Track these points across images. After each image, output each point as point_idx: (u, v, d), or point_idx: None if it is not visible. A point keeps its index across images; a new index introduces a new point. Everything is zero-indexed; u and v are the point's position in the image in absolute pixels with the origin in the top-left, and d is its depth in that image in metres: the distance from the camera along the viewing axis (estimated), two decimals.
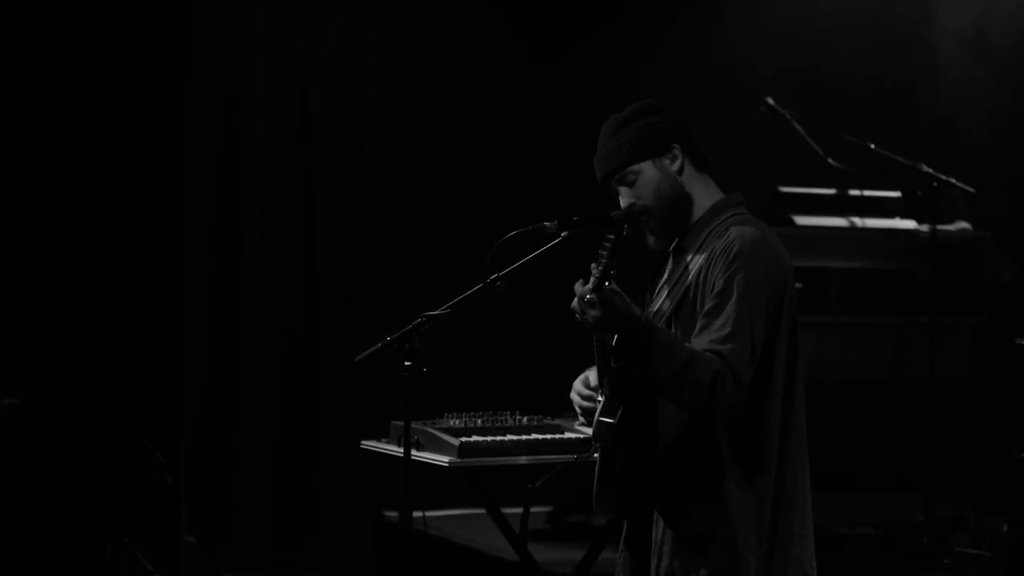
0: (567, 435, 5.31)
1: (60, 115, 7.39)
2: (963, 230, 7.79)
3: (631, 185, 4.16)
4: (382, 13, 8.36)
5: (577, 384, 4.24)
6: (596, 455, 4.14)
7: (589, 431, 5.25)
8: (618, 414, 3.93)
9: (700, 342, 3.81)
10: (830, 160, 7.47)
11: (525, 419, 5.44)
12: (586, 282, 3.77)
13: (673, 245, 4.13)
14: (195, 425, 7.81)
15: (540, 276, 5.12)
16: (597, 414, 3.97)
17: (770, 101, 7.46)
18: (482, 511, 5.42)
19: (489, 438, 5.20)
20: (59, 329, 7.35)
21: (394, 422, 5.28)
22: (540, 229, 4.51)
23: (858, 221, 7.66)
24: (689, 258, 4.03)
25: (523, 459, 5.22)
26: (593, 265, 3.77)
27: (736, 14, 8.63)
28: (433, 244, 8.51)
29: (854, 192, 7.75)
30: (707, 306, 3.87)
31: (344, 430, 7.98)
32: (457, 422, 5.35)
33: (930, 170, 7.33)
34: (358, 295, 8.24)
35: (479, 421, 5.36)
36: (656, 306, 4.13)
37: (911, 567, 7.10)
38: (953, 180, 7.35)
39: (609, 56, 8.76)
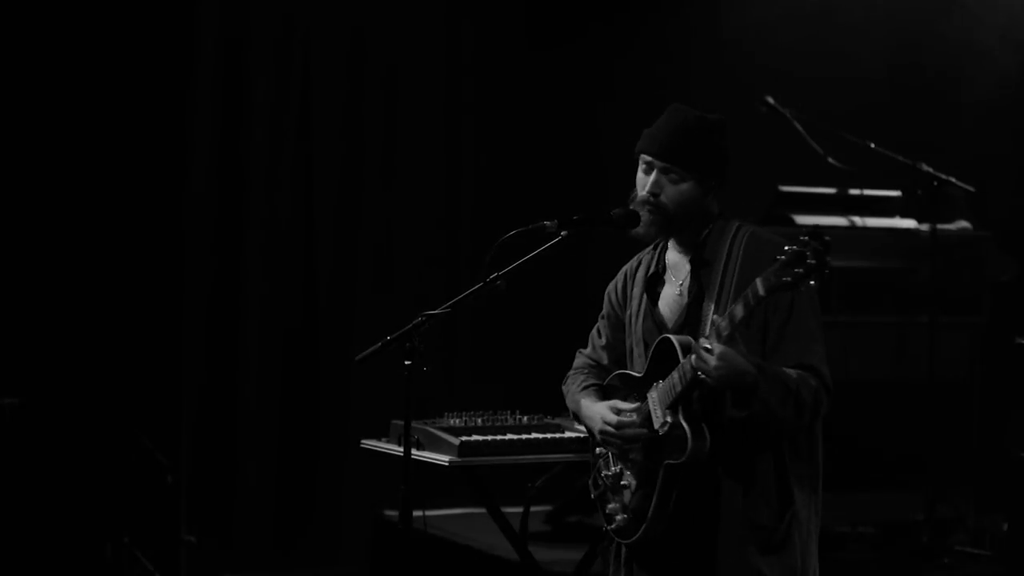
0: (567, 434, 5.31)
1: (60, 114, 7.39)
2: (963, 229, 7.79)
3: (668, 179, 4.23)
4: (383, 11, 8.36)
5: (609, 415, 4.25)
6: (626, 480, 4.24)
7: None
8: (707, 433, 4.03)
9: (787, 355, 4.03)
10: (830, 159, 7.47)
11: (525, 418, 5.44)
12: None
13: (691, 256, 4.23)
14: (195, 424, 7.81)
15: (540, 275, 5.11)
16: (691, 437, 4.01)
17: (770, 100, 7.46)
18: (482, 510, 5.42)
19: (489, 437, 5.21)
20: (59, 328, 7.35)
21: (394, 421, 5.28)
22: (540, 228, 4.52)
23: (858, 220, 7.66)
24: (722, 265, 4.14)
25: (523, 458, 5.22)
26: (716, 318, 3.93)
27: (738, 11, 8.62)
28: (433, 243, 8.51)
29: (854, 191, 7.75)
30: (781, 318, 4.06)
31: (344, 429, 7.97)
32: (457, 421, 5.35)
33: (930, 169, 7.32)
34: (358, 294, 8.24)
35: (479, 420, 5.37)
36: (674, 316, 4.23)
37: (911, 566, 7.09)
38: (953, 179, 7.34)
39: (610, 55, 8.76)
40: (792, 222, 7.42)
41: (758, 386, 3.91)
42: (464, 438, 5.13)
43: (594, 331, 4.59)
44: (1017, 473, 7.18)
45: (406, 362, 4.44)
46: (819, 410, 4.03)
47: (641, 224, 4.24)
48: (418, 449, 5.13)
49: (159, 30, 7.59)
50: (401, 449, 4.59)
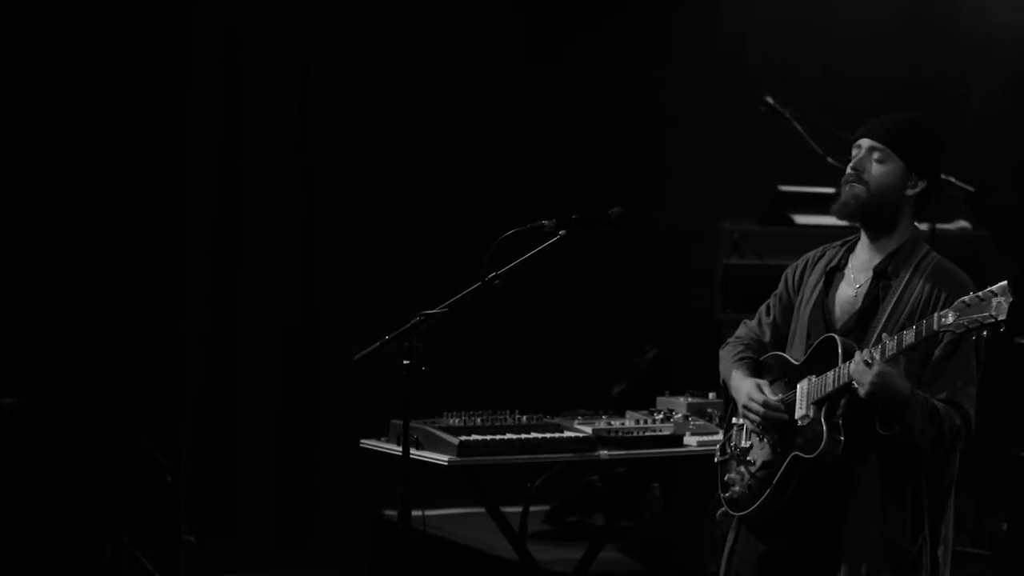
0: (566, 434, 5.31)
1: (59, 116, 7.38)
2: (962, 229, 7.79)
3: (875, 159, 4.31)
4: (382, 12, 8.36)
5: (756, 393, 4.32)
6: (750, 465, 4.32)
7: (588, 430, 5.29)
8: (842, 438, 4.11)
9: (941, 389, 4.10)
10: (830, 159, 7.46)
11: (524, 418, 5.45)
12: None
13: (876, 264, 4.29)
14: (195, 424, 7.81)
15: (539, 274, 5.12)
16: (826, 437, 4.09)
17: (770, 100, 7.46)
18: (481, 510, 5.43)
19: (488, 437, 5.21)
20: (59, 328, 7.35)
21: (393, 421, 5.29)
22: (538, 228, 4.54)
23: (1005, 283, 7.65)
24: (903, 284, 4.22)
25: (522, 458, 5.22)
26: (885, 336, 4.01)
27: (737, 11, 8.62)
28: (432, 243, 8.51)
29: None
30: (945, 351, 4.13)
31: (343, 429, 7.97)
32: (456, 421, 5.35)
33: None
34: (357, 294, 8.24)
35: (478, 420, 5.37)
36: (844, 317, 4.30)
37: None
38: (953, 179, 7.34)
39: (609, 55, 8.75)
40: (791, 222, 7.42)
41: (906, 410, 3.98)
42: (463, 438, 5.13)
43: (763, 307, 4.62)
44: (1017, 473, 7.18)
45: (405, 361, 4.45)
46: (956, 447, 4.12)
47: (839, 201, 4.34)
48: (417, 449, 5.13)
49: (158, 30, 7.58)
50: (400, 449, 4.60)
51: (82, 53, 7.40)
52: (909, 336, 3.94)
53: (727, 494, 4.37)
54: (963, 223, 7.83)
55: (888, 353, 3.97)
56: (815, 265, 4.46)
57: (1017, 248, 7.91)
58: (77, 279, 7.40)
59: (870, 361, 3.97)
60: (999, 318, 3.78)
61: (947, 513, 4.25)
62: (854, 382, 4.00)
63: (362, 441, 5.49)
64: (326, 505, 8.11)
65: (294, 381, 8.10)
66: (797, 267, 4.53)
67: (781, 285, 4.56)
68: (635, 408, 5.69)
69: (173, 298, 7.71)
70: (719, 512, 5.01)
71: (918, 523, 4.17)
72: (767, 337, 4.54)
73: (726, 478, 4.38)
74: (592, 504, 7.26)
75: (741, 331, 4.62)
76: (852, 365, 4.01)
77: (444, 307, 4.55)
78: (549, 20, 8.82)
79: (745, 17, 8.52)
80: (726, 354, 4.55)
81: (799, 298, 4.45)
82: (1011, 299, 3.78)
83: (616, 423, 5.47)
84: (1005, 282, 3.84)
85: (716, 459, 4.48)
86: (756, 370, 4.43)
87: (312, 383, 8.13)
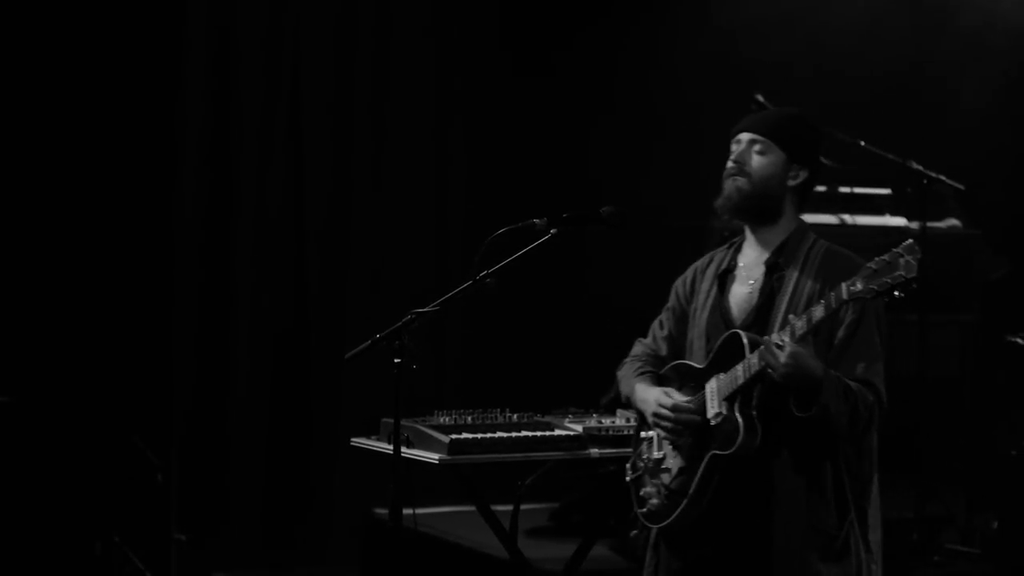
0: (557, 432, 5.31)
1: (49, 111, 7.37)
2: (953, 227, 7.80)
3: (756, 151, 4.33)
4: (373, 9, 8.35)
5: (664, 399, 4.32)
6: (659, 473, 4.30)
7: (579, 428, 5.29)
8: (759, 429, 4.11)
9: (849, 368, 4.12)
10: (821, 157, 7.46)
11: (515, 416, 5.45)
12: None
13: (767, 258, 4.30)
14: (186, 423, 7.80)
15: (530, 273, 5.11)
16: (743, 430, 4.07)
17: (760, 98, 7.45)
18: (472, 508, 5.42)
19: (479, 435, 5.21)
20: (49, 327, 7.33)
21: (384, 419, 5.28)
22: (530, 226, 4.55)
23: (848, 218, 7.66)
24: (797, 273, 4.23)
25: (513, 456, 5.22)
26: (792, 317, 4.01)
27: (728, 10, 8.62)
28: (423, 241, 8.50)
29: (844, 189, 7.76)
30: (848, 331, 4.15)
31: (335, 427, 7.97)
32: (447, 419, 5.35)
33: (920, 167, 7.33)
34: (348, 293, 8.24)
35: (469, 418, 5.37)
36: (742, 315, 4.30)
37: (901, 564, 7.10)
38: (943, 177, 7.35)
39: (601, 51, 8.75)
40: None
41: (821, 389, 3.98)
42: (454, 436, 5.13)
43: (656, 322, 4.64)
44: (1007, 471, 7.18)
45: (396, 360, 4.44)
46: (871, 425, 4.15)
47: (721, 196, 4.34)
48: (408, 447, 5.13)
49: (148, 29, 7.56)
50: (391, 447, 4.60)
51: (73, 53, 7.39)
52: (818, 311, 3.95)
53: (644, 509, 4.35)
54: (953, 221, 7.84)
55: (799, 332, 3.97)
56: (705, 272, 4.48)
57: (1008, 246, 7.93)
58: (68, 278, 7.38)
59: (781, 344, 3.96)
60: (909, 276, 3.75)
61: (872, 496, 4.25)
62: (767, 367, 3.99)
63: (353, 439, 5.49)
64: (317, 503, 8.11)
65: (285, 380, 8.09)
66: (686, 278, 4.55)
67: (672, 298, 4.58)
68: (625, 409, 5.69)
69: (164, 297, 7.70)
70: (632, 533, 5.02)
71: (843, 508, 4.16)
72: (664, 351, 4.56)
73: (641, 493, 4.36)
74: (597, 506, 7.26)
75: (637, 349, 4.64)
76: (763, 350, 4.00)
77: (435, 306, 4.55)
78: (540, 20, 8.81)
79: (736, 15, 8.52)
80: (625, 372, 4.57)
81: (693, 306, 4.46)
82: (920, 255, 3.75)
83: (607, 421, 5.46)
84: (911, 240, 3.81)
85: (628, 478, 4.47)
86: (658, 383, 4.44)
87: (303, 382, 8.13)
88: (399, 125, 8.42)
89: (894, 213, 7.77)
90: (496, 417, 5.42)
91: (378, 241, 8.34)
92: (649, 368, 4.53)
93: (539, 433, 5.30)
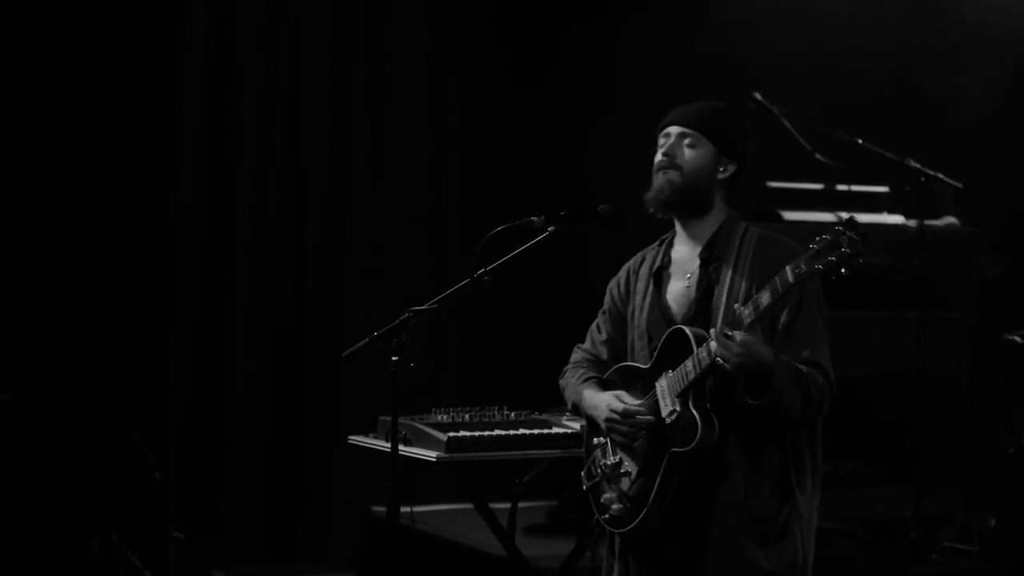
0: (554, 430, 5.31)
1: (47, 111, 7.38)
2: (951, 225, 7.80)
3: (686, 144, 4.31)
4: (370, 8, 8.35)
5: (615, 403, 4.29)
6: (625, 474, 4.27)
7: (576, 426, 5.29)
8: (716, 422, 4.09)
9: (796, 351, 4.08)
10: (818, 155, 7.48)
11: (512, 414, 5.45)
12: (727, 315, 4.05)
13: (700, 251, 4.29)
14: (183, 421, 7.81)
15: (528, 271, 5.11)
16: (701, 424, 4.05)
17: (758, 96, 7.46)
18: (470, 506, 5.42)
19: (476, 433, 5.21)
20: (47, 325, 7.34)
21: (382, 417, 5.28)
22: (527, 224, 4.55)
23: (846, 216, 7.64)
24: (733, 262, 4.21)
25: (510, 454, 5.22)
26: (738, 306, 3.99)
27: (726, 7, 8.62)
28: (420, 239, 8.50)
29: (842, 187, 7.76)
30: (790, 315, 4.13)
31: (332, 425, 7.97)
32: (445, 417, 5.35)
33: (918, 165, 7.33)
34: (346, 291, 8.24)
35: (466, 416, 5.37)
36: (682, 310, 4.28)
37: (899, 562, 7.10)
38: (941, 175, 7.35)
39: (598, 49, 8.75)
40: (780, 218, 7.42)
41: (773, 375, 3.96)
42: (451, 434, 5.13)
43: (593, 327, 4.62)
44: (1005, 469, 7.18)
45: (393, 358, 4.44)
46: (823, 407, 4.11)
47: (652, 190, 4.33)
48: (406, 445, 5.13)
49: (147, 28, 7.57)
50: (389, 445, 4.60)
51: (71, 51, 7.40)
52: (765, 297, 3.92)
53: (606, 516, 4.32)
54: (951, 219, 7.83)
55: (747, 320, 3.95)
56: (638, 271, 4.46)
57: (1006, 244, 7.92)
58: (66, 276, 7.39)
59: (729, 333, 3.94)
60: (854, 252, 3.74)
61: (815, 481, 4.23)
62: (718, 359, 3.97)
63: (350, 437, 5.48)
64: (315, 501, 8.11)
65: (283, 378, 8.10)
66: (620, 279, 4.53)
67: (607, 301, 4.56)
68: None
69: (162, 295, 7.70)
70: (587, 542, 5.01)
71: (785, 493, 4.14)
72: (605, 355, 4.55)
73: (602, 500, 4.34)
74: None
75: (576, 356, 4.63)
76: (712, 343, 3.98)
77: (433, 303, 4.55)
78: (537, 18, 8.81)
79: (733, 13, 8.52)
80: (569, 380, 4.55)
81: (630, 307, 4.44)
82: (863, 230, 3.74)
83: None
84: (850, 216, 3.81)
85: (584, 487, 4.44)
86: (603, 388, 4.42)
87: (301, 380, 8.13)
88: (396, 124, 8.43)
89: (892, 211, 7.76)
90: (494, 415, 5.42)
91: (375, 240, 8.34)
92: (592, 373, 4.51)
93: (537, 431, 5.30)
